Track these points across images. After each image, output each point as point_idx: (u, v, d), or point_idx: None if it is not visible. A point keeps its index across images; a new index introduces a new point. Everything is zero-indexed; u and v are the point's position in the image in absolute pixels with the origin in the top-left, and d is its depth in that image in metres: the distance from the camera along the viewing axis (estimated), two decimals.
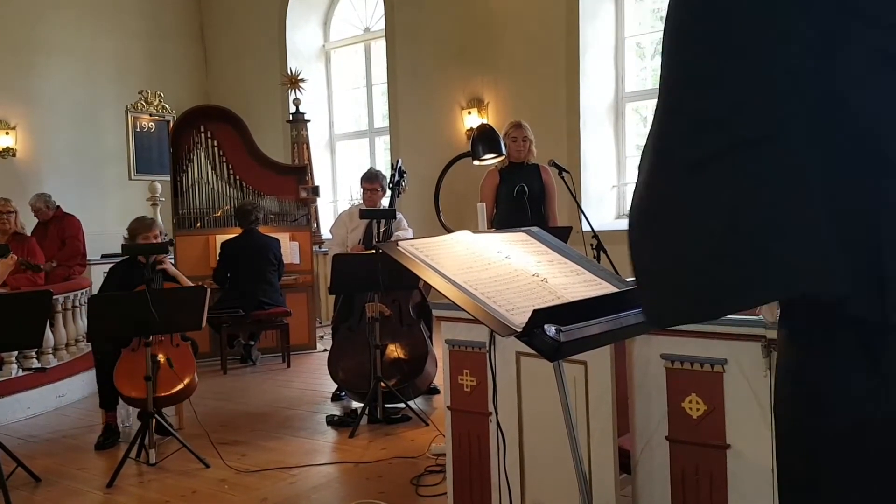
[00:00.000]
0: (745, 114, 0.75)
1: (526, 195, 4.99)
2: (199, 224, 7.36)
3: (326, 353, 5.32)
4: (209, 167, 7.43)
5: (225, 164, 7.49)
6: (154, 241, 4.60)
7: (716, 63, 0.77)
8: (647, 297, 0.85)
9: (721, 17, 0.76)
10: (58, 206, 7.15)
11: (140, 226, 4.69)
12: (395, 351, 4.97)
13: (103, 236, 8.29)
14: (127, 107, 10.23)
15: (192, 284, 4.71)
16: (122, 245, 4.52)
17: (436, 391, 5.14)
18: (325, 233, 8.38)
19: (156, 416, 4.06)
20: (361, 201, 5.68)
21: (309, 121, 9.48)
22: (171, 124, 9.08)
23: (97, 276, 7.24)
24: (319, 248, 8.46)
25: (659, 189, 0.81)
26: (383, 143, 10.12)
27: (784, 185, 0.74)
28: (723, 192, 0.75)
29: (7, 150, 9.23)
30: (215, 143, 7.48)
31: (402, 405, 4.68)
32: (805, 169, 0.73)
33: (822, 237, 0.73)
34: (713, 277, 0.77)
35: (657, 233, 0.82)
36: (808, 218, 0.73)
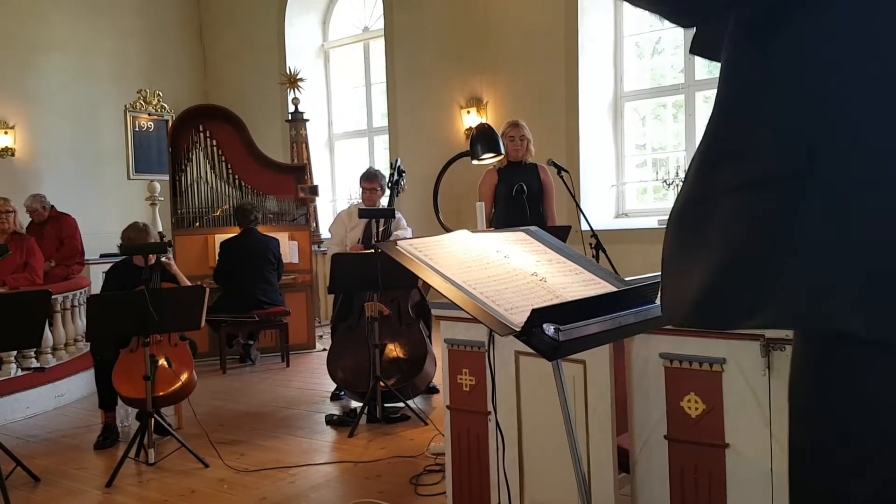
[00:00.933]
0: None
1: (525, 194, 5.00)
2: (197, 223, 7.35)
3: (325, 353, 5.32)
4: (208, 166, 7.42)
5: (224, 164, 7.49)
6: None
7: None
8: (665, 297, 0.92)
9: None
10: (52, 206, 7.13)
11: (136, 235, 4.65)
12: (394, 350, 4.97)
13: (102, 236, 8.28)
14: (126, 106, 10.23)
15: (190, 284, 4.71)
16: (120, 245, 4.51)
17: (435, 390, 5.14)
18: (324, 232, 8.38)
19: (154, 415, 4.06)
20: (360, 201, 5.68)
21: (308, 120, 9.48)
22: (170, 124, 9.07)
23: (96, 275, 7.24)
24: (318, 247, 8.46)
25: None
26: (382, 142, 10.11)
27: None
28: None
29: (6, 149, 9.22)
30: (214, 143, 7.47)
31: (402, 404, 4.68)
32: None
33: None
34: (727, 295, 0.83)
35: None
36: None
